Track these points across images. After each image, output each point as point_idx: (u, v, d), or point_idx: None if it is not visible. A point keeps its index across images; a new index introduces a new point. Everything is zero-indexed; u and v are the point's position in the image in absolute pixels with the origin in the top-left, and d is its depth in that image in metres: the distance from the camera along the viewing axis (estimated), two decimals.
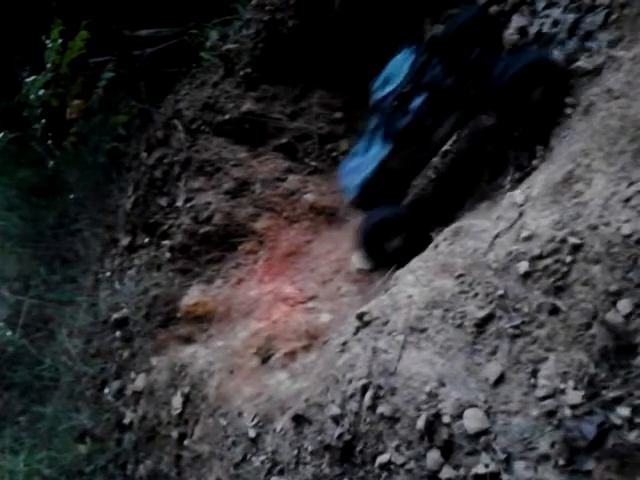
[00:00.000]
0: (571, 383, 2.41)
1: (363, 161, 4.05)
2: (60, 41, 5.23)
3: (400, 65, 3.90)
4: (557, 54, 3.62)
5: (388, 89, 3.90)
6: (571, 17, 3.73)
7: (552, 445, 2.37)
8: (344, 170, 4.28)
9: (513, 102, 3.54)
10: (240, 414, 3.90)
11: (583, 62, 3.49)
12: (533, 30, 3.97)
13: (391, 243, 3.92)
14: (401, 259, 3.65)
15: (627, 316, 2.32)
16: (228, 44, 5.48)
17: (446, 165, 4.52)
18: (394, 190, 4.20)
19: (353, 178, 4.08)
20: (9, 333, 5.86)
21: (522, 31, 4.05)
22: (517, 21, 4.10)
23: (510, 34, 4.08)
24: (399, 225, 3.93)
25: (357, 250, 4.11)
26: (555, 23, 3.84)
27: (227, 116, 5.33)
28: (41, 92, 5.32)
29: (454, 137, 4.28)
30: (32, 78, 5.34)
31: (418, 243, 3.71)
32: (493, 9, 4.35)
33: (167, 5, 5.77)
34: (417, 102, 3.80)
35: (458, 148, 4.45)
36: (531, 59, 3.56)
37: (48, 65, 5.31)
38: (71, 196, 6.32)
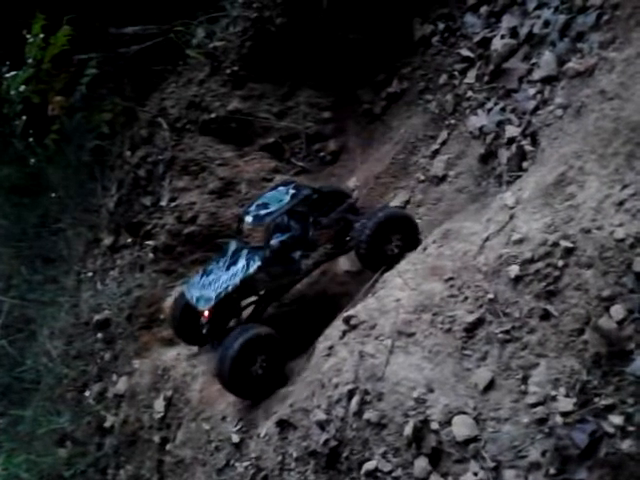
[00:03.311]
0: (562, 390, 2.37)
1: (222, 276, 4.02)
2: (42, 36, 5.13)
3: (277, 197, 4.16)
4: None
5: (266, 211, 4.04)
6: (562, 18, 3.70)
7: (543, 453, 2.32)
8: (194, 284, 4.15)
9: (373, 251, 3.84)
10: (224, 418, 3.86)
11: (574, 63, 3.46)
12: (524, 31, 3.95)
13: (254, 367, 3.71)
14: (267, 386, 3.72)
15: (620, 322, 2.28)
16: (215, 42, 5.41)
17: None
18: (254, 308, 4.24)
19: (208, 291, 3.99)
20: None
21: (513, 32, 4.03)
22: (508, 21, 4.08)
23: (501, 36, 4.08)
24: (261, 347, 3.73)
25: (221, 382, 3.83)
26: (546, 24, 3.81)
27: (213, 115, 5.26)
28: (22, 88, 5.23)
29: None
30: (12, 73, 5.24)
31: (280, 366, 3.79)
32: (483, 9, 4.35)
33: (153, 2, 5.68)
34: (293, 232, 4.11)
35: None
36: (388, 214, 3.92)
37: (29, 60, 5.21)
38: (53, 195, 6.21)
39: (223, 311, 4.03)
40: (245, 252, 4.06)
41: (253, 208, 4.14)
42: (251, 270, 3.93)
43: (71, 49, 5.36)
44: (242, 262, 4.00)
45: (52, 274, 6.17)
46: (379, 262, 3.79)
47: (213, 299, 3.91)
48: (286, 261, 4.06)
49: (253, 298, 4.25)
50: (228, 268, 4.05)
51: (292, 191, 4.13)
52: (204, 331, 3.99)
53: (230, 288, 3.92)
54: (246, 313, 4.26)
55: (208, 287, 4.02)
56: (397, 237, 3.85)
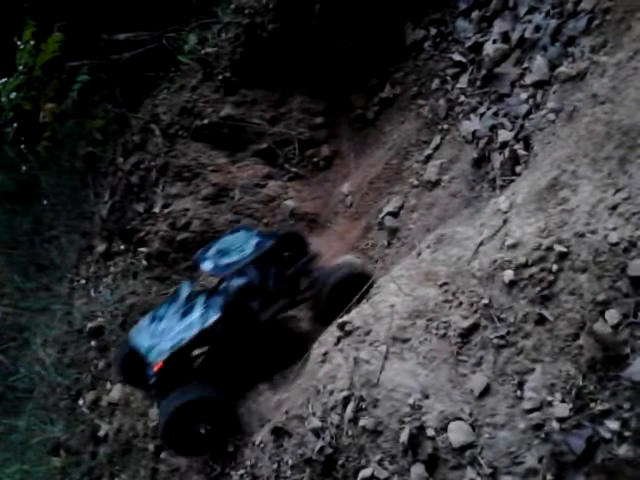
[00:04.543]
0: (558, 395, 2.35)
1: (176, 326, 3.76)
2: (33, 43, 5.12)
3: (238, 245, 3.97)
4: None
5: (227, 261, 3.85)
6: (553, 22, 3.71)
7: (540, 459, 2.31)
8: (142, 329, 3.92)
9: (331, 308, 3.64)
10: None
11: (566, 67, 3.46)
12: (516, 35, 3.96)
13: (195, 427, 3.58)
14: (211, 445, 3.60)
15: (615, 326, 2.27)
16: (207, 48, 5.41)
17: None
18: (204, 359, 3.97)
19: (160, 341, 3.72)
20: None
21: (505, 36, 4.04)
22: (499, 26, 4.09)
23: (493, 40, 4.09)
24: (197, 410, 3.56)
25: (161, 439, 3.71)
26: (537, 28, 3.83)
27: (205, 121, 5.25)
28: (13, 95, 5.21)
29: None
30: (3, 80, 5.22)
31: (227, 424, 3.65)
32: (475, 14, 4.36)
33: (146, 8, 5.68)
34: (249, 278, 3.90)
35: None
36: (347, 272, 3.86)
37: (20, 67, 5.19)
38: (46, 202, 6.20)
39: (174, 363, 3.71)
40: (202, 299, 3.86)
41: (212, 253, 3.93)
42: (210, 321, 3.71)
43: (62, 56, 5.35)
44: (199, 311, 3.78)
45: (45, 282, 6.15)
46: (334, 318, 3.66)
47: (167, 352, 3.63)
48: (244, 313, 3.86)
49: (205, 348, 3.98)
50: (183, 316, 3.81)
51: (255, 239, 3.96)
52: (151, 382, 3.70)
53: (185, 342, 3.67)
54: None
55: (159, 336, 3.75)
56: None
